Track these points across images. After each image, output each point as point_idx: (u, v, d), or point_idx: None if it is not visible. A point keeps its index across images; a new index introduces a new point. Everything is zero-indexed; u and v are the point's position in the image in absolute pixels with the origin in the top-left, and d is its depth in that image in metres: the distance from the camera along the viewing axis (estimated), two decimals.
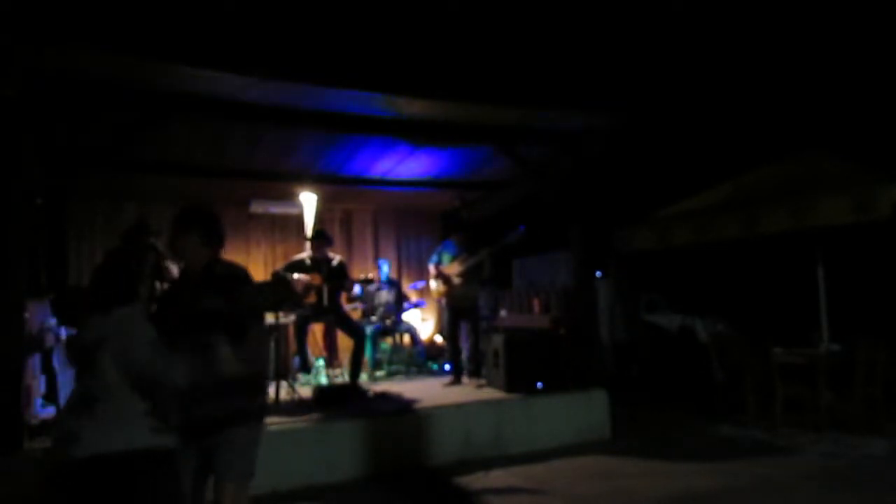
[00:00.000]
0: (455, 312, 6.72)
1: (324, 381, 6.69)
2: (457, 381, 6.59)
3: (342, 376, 7.05)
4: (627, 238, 7.35)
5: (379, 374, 7.62)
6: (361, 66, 4.95)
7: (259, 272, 7.99)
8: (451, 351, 6.87)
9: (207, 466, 2.71)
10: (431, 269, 6.84)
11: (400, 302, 7.97)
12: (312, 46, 4.84)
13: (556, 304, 7.45)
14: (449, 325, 6.88)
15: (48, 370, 5.23)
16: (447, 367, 7.30)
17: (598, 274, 9.16)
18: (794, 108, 13.26)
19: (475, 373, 6.65)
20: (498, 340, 6.13)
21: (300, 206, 7.52)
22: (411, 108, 5.45)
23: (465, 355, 6.99)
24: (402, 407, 5.49)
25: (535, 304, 7.74)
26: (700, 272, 13.87)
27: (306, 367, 6.50)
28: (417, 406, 5.46)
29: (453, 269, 6.62)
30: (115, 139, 5.55)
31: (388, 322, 7.75)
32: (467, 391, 6.17)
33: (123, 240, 6.14)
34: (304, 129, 5.77)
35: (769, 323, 9.07)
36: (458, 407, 5.44)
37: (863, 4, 12.21)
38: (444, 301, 6.90)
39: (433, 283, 6.84)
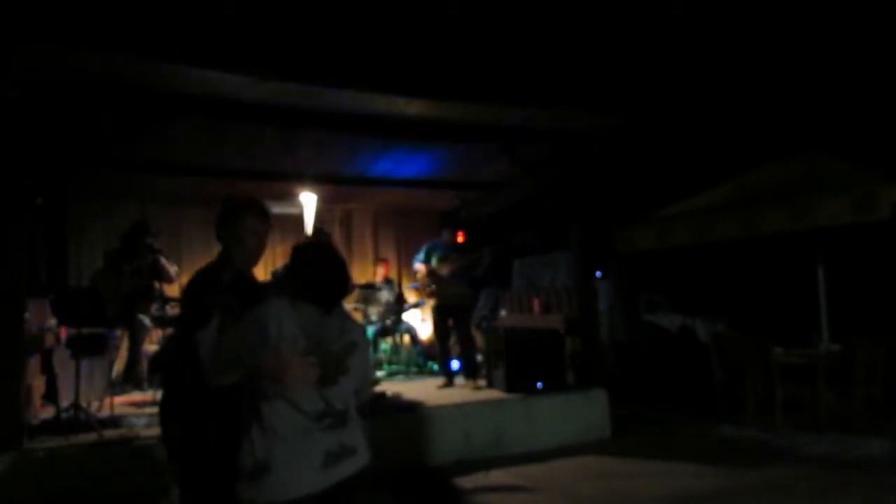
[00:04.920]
0: (444, 312, 6.62)
1: None
2: (449, 383, 6.45)
3: None
4: (627, 238, 7.33)
5: (379, 374, 7.61)
6: (361, 67, 4.95)
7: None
8: (440, 352, 6.74)
9: None
10: (420, 267, 6.73)
11: (399, 302, 7.95)
12: (312, 47, 4.84)
13: (556, 304, 7.44)
14: (438, 325, 6.73)
15: (48, 370, 5.24)
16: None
17: (598, 274, 9.17)
18: (793, 107, 13.25)
19: (470, 375, 6.44)
20: (498, 340, 6.12)
21: (300, 206, 7.52)
22: (411, 108, 5.44)
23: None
24: (401, 407, 5.48)
25: (535, 304, 7.74)
26: (700, 272, 13.89)
27: None
28: (417, 406, 5.45)
29: (444, 269, 6.57)
30: (115, 139, 5.55)
31: (388, 322, 7.74)
32: (467, 391, 6.16)
33: (123, 240, 6.17)
34: (304, 129, 5.76)
35: (769, 323, 9.07)
36: (459, 407, 5.44)
37: (862, 4, 12.21)
38: (433, 301, 6.75)
39: (422, 283, 6.78)
